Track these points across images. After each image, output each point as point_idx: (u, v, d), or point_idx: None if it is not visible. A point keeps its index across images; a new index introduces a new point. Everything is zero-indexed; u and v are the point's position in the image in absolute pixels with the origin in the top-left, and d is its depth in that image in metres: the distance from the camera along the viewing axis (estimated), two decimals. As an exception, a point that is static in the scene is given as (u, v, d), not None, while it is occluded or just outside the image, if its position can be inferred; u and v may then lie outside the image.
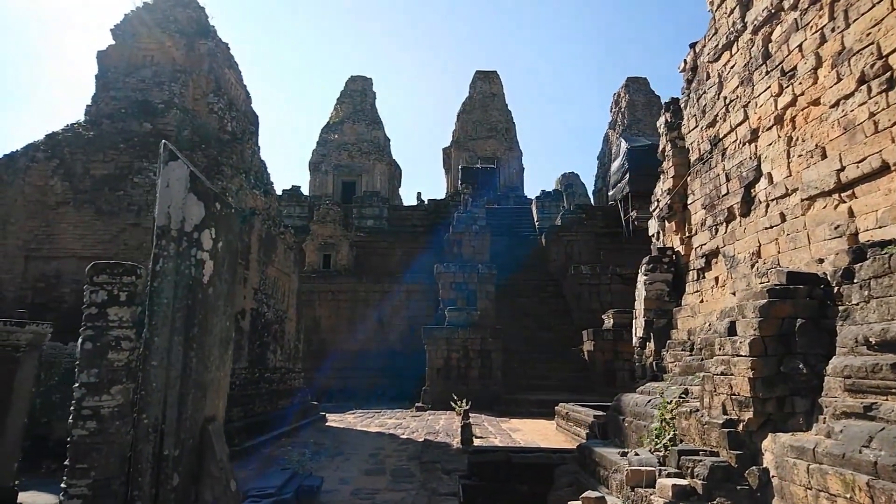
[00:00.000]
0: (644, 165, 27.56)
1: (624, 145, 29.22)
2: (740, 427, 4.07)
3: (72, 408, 3.77)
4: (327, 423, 16.77)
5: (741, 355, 4.06)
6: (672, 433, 4.91)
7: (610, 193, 31.34)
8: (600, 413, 12.01)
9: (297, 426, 14.87)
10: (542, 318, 23.47)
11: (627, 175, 28.19)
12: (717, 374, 4.33)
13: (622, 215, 28.19)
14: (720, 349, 4.35)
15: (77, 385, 3.81)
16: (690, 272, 6.74)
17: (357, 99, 34.64)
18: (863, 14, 4.02)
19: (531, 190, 64.05)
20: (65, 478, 3.72)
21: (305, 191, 31.47)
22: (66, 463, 3.75)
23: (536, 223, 30.28)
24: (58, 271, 12.10)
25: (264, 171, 18.48)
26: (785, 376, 3.92)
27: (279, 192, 24.91)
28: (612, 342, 19.49)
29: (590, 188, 38.92)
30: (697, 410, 4.57)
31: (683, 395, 5.39)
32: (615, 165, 30.53)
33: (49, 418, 9.56)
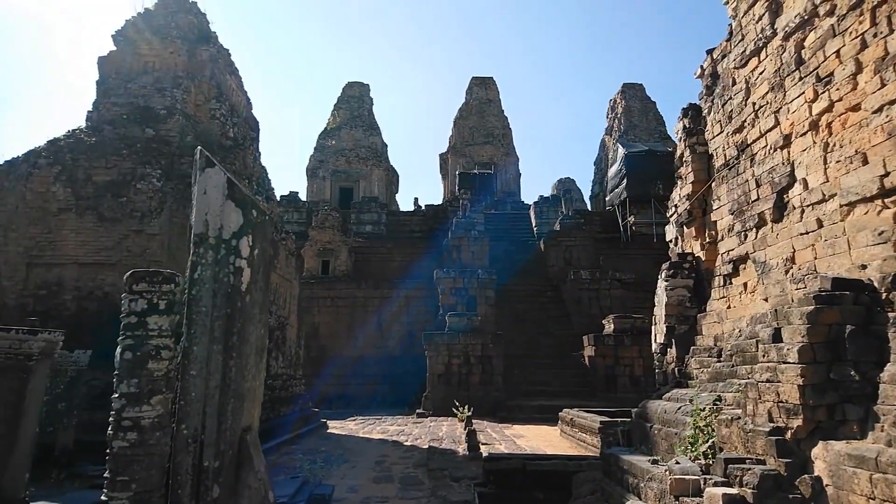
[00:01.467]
0: (641, 171, 27.81)
1: (621, 151, 29.40)
2: (788, 435, 4.04)
3: (111, 418, 3.67)
4: (328, 430, 16.63)
5: (789, 362, 4.03)
6: (710, 441, 4.87)
7: (607, 199, 31.50)
8: (606, 419, 11.98)
9: (299, 433, 14.73)
10: (542, 323, 23.46)
11: (625, 180, 28.36)
12: (761, 382, 4.29)
13: (620, 220, 28.33)
14: (764, 356, 4.32)
15: (116, 396, 3.70)
16: (716, 278, 6.73)
17: (354, 105, 34.62)
18: (908, 21, 4.04)
19: (528, 195, 64.38)
20: (105, 490, 3.61)
21: (303, 196, 31.35)
22: (105, 475, 3.63)
23: (535, 228, 30.35)
24: (59, 278, 11.92)
25: (265, 177, 18.38)
26: (835, 383, 3.90)
27: (277, 198, 24.79)
28: (613, 347, 19.51)
29: (586, 194, 39.10)
30: (739, 418, 4.54)
31: (717, 402, 5.36)
32: (612, 171, 30.71)
33: (55, 427, 9.37)
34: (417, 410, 19.21)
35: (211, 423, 3.93)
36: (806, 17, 5.08)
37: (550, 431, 15.49)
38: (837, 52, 4.72)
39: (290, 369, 16.95)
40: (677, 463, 4.66)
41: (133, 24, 15.23)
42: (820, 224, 4.93)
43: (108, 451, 3.68)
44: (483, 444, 12.76)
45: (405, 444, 13.77)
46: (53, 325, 9.94)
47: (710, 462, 4.53)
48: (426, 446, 12.86)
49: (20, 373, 6.87)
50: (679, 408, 5.86)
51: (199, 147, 4.33)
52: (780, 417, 4.10)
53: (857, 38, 4.50)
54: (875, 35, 4.32)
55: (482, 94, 39.64)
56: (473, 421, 15.24)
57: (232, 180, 4.28)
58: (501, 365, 19.80)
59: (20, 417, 6.84)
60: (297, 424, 15.32)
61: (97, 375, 10.01)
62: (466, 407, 15.99)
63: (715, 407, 5.23)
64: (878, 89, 4.29)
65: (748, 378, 4.76)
